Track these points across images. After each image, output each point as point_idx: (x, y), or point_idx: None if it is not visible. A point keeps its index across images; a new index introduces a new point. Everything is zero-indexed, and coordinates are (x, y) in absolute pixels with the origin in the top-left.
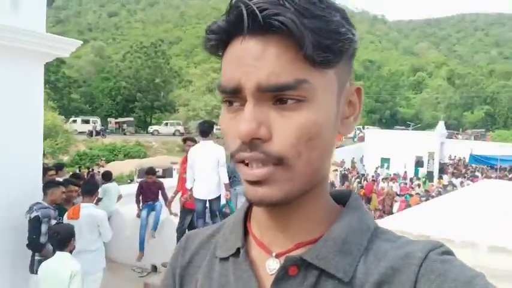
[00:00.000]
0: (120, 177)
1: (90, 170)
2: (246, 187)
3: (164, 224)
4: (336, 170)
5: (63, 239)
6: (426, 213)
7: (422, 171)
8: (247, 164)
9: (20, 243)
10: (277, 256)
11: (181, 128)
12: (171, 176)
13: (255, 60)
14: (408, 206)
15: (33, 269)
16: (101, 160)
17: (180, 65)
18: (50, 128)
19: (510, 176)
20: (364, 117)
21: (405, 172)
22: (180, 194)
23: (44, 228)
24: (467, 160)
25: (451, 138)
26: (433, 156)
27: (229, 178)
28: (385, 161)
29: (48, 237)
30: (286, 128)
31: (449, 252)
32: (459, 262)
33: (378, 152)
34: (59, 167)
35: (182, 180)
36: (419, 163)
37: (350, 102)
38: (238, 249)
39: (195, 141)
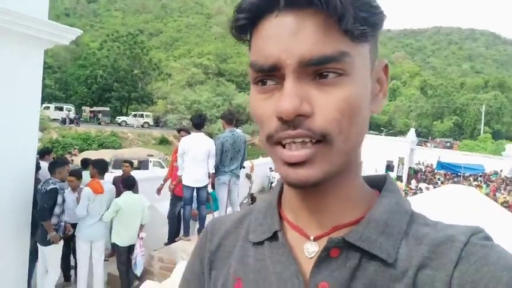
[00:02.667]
0: None
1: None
2: (285, 170)
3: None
4: None
5: (133, 182)
6: None
7: (392, 175)
8: (284, 146)
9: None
10: (315, 239)
11: (150, 120)
12: (146, 168)
13: (294, 35)
14: None
15: (46, 241)
16: (74, 149)
17: (160, 58)
18: None
19: (474, 183)
20: None
21: None
22: (169, 181)
23: (59, 199)
24: (434, 166)
25: (421, 145)
26: (403, 162)
27: (215, 168)
28: None
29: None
30: (327, 103)
31: (490, 238)
32: (500, 248)
33: None
34: (48, 152)
35: (173, 168)
36: (389, 167)
37: (378, 79)
38: (274, 233)
39: (188, 132)
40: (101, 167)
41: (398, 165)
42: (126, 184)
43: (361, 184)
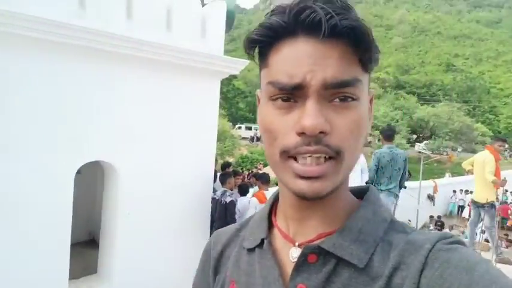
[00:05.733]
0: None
1: (250, 171)
2: (298, 182)
3: None
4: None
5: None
6: None
7: None
8: (296, 160)
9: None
10: (299, 245)
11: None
12: None
13: (320, 59)
14: None
15: None
16: (259, 163)
17: None
18: (220, 132)
19: None
20: None
21: None
22: None
23: (236, 209)
24: None
25: None
26: None
27: None
28: None
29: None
30: (342, 123)
31: (458, 242)
32: (464, 250)
33: None
34: (228, 165)
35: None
36: None
37: (369, 106)
38: (262, 240)
39: None
40: (264, 179)
41: None
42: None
43: (348, 195)
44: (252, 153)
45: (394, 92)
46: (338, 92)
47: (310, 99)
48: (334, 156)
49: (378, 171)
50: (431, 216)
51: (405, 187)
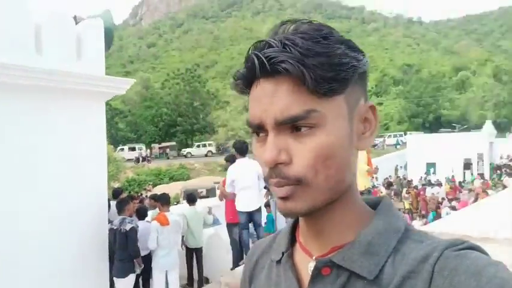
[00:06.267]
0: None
1: (139, 194)
2: (278, 202)
3: (212, 240)
4: (373, 178)
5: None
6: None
7: (473, 174)
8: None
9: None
10: (316, 259)
11: (213, 149)
12: (214, 195)
13: (270, 98)
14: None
15: (123, 273)
16: (148, 185)
17: (217, 87)
18: None
19: None
20: (405, 123)
21: (453, 176)
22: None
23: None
24: None
25: (503, 137)
26: (482, 158)
27: (268, 189)
28: (430, 166)
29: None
30: (302, 151)
31: (470, 247)
32: (474, 254)
33: (423, 157)
34: (120, 192)
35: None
36: (467, 166)
37: (365, 119)
38: (283, 254)
39: (234, 160)
40: (164, 200)
41: (478, 162)
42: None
43: (357, 208)
44: (138, 174)
45: None
46: (294, 125)
47: (269, 134)
48: (296, 183)
49: None
50: None
51: None
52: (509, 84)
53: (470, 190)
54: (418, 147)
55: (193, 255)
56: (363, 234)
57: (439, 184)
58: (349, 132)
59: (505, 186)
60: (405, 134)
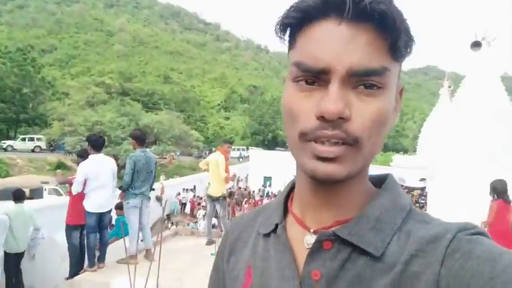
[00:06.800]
0: None
1: None
2: (314, 164)
3: (46, 246)
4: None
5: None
6: None
7: None
8: (316, 142)
9: None
10: (315, 232)
11: (42, 144)
12: (40, 196)
13: (347, 44)
14: None
15: None
16: None
17: (54, 76)
18: None
19: None
20: (248, 139)
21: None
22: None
23: None
24: None
25: None
26: None
27: (124, 190)
28: (267, 179)
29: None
30: (364, 111)
31: (479, 233)
32: (487, 241)
33: (261, 171)
34: None
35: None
36: None
37: (396, 97)
38: (277, 226)
39: (87, 156)
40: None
41: None
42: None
43: (366, 184)
44: None
45: (120, 98)
46: (363, 80)
47: (333, 83)
48: (352, 143)
49: (134, 174)
50: (164, 216)
51: (153, 189)
52: None
53: None
54: (258, 162)
55: (15, 261)
56: (370, 210)
57: (274, 196)
58: (394, 104)
59: None
60: (247, 149)
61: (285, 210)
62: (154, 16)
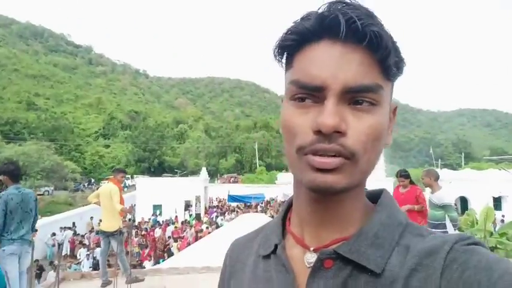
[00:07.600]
0: None
1: None
2: (313, 175)
3: None
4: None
5: None
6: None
7: (192, 214)
8: (314, 155)
9: None
10: (315, 250)
11: None
12: None
13: (341, 63)
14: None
15: None
16: None
17: None
18: None
19: (259, 210)
20: (132, 166)
21: (176, 216)
22: None
23: None
24: (226, 200)
25: (212, 183)
26: (199, 199)
27: None
28: (157, 207)
29: None
30: (359, 126)
31: (476, 243)
32: (483, 250)
33: (150, 199)
34: None
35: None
36: (188, 206)
37: (389, 116)
38: (276, 246)
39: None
40: None
41: (196, 203)
42: None
43: (363, 200)
44: None
45: None
46: (358, 96)
47: (329, 99)
48: (349, 157)
49: (7, 216)
50: (36, 261)
51: (36, 230)
52: (216, 139)
53: (191, 227)
54: (146, 190)
55: None
56: (369, 226)
57: (167, 225)
58: (388, 122)
59: (218, 225)
60: (132, 177)
61: (283, 230)
62: (11, 36)
